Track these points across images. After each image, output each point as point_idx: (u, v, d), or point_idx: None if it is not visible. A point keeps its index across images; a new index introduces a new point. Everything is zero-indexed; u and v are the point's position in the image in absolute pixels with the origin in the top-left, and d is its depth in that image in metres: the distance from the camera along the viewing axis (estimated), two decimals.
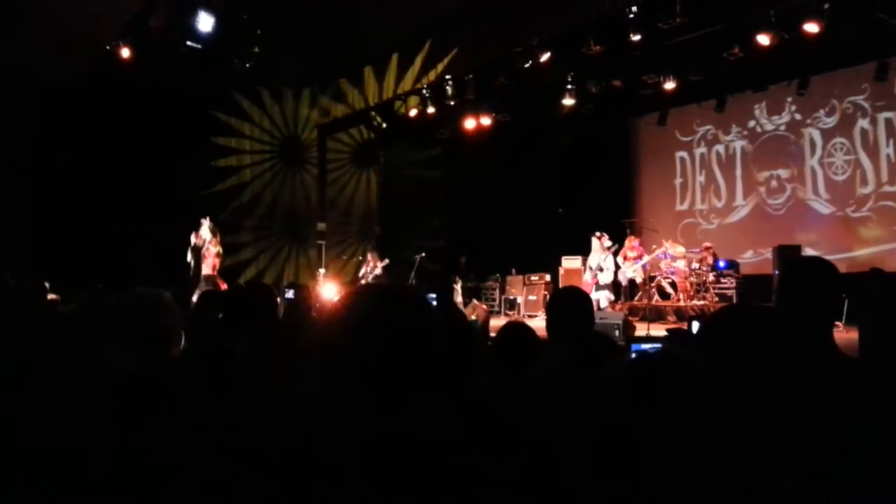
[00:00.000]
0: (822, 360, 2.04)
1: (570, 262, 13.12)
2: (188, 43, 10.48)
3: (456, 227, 14.40)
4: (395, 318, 1.29)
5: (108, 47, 10.12)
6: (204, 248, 10.79)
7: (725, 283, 11.77)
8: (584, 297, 3.27)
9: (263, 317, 3.34)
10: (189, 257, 10.83)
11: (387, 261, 12.89)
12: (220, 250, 10.88)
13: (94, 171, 11.35)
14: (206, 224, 10.93)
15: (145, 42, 10.25)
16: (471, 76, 11.40)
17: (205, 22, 10.35)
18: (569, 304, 3.15)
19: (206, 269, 10.72)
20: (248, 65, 11.01)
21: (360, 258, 13.67)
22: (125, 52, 10.35)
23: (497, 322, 7.47)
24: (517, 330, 3.49)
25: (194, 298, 6.88)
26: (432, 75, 11.60)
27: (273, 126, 14.24)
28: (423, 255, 13.42)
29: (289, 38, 10.97)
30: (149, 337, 2.34)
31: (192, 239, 10.85)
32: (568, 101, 11.62)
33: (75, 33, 9.34)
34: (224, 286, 9.69)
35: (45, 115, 10.91)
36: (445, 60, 11.33)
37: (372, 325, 1.28)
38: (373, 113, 12.93)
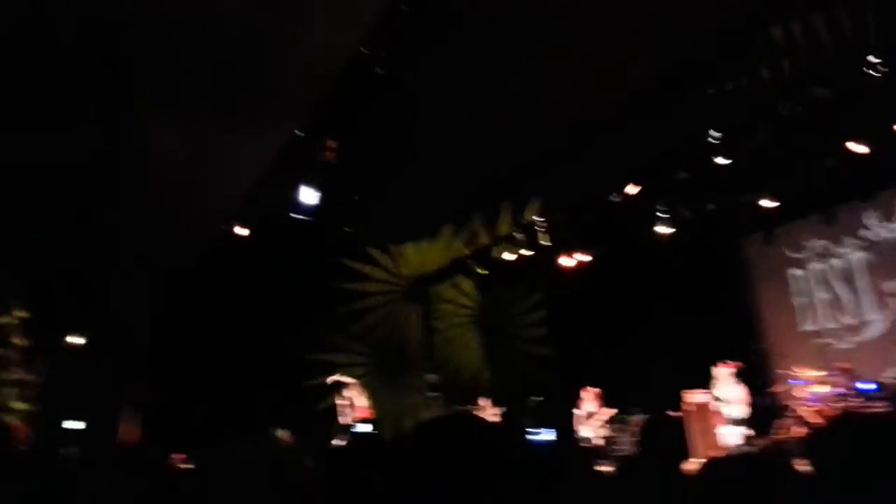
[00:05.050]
0: None
1: (695, 397, 12.30)
2: (295, 216, 11.34)
3: (565, 367, 14.06)
4: (446, 444, 1.33)
5: (222, 227, 11.11)
6: (352, 404, 10.86)
7: (876, 406, 10.63)
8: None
9: None
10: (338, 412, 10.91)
11: (503, 408, 12.65)
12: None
13: (214, 344, 12.09)
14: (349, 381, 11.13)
15: (256, 218, 11.22)
16: (562, 216, 11.63)
17: (309, 196, 11.24)
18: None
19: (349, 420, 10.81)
20: (351, 230, 11.74)
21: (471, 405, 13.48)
22: (239, 230, 11.34)
23: None
24: None
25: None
26: (524, 219, 11.92)
27: (392, 274, 14.74)
28: (537, 398, 13.13)
29: (386, 199, 11.69)
30: None
31: (337, 400, 10.95)
32: (663, 230, 11.51)
33: (192, 217, 10.36)
34: None
35: (167, 294, 11.92)
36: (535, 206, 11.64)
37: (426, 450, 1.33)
38: (470, 260, 13.28)
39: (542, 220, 11.80)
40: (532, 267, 13.13)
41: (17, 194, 8.83)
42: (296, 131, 9.40)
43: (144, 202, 9.99)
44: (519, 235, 12.13)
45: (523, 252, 12.18)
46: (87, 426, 11.14)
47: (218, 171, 9.72)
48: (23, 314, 10.20)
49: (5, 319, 9.99)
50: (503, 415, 12.40)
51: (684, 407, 12.31)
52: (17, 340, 10.10)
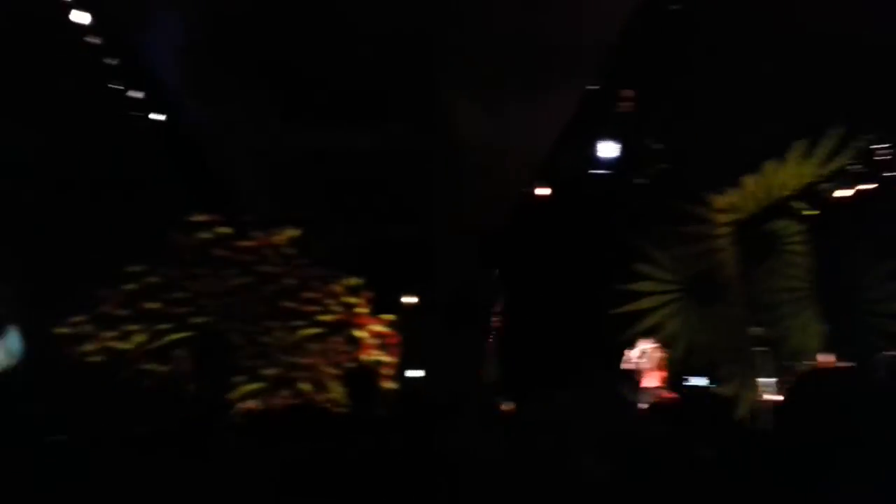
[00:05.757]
0: None
1: None
2: (593, 171, 11.28)
3: None
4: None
5: (524, 189, 11.50)
6: (644, 364, 10.52)
7: None
8: None
9: None
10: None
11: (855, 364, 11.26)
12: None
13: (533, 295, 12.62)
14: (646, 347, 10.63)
15: (555, 175, 11.39)
16: None
17: (610, 149, 11.09)
18: None
19: (651, 383, 10.42)
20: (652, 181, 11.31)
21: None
22: (542, 190, 11.63)
23: None
24: None
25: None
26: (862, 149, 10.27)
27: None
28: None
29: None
30: None
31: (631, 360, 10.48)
32: None
33: (501, 180, 10.87)
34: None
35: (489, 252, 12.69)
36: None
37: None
38: (794, 202, 11.78)
39: (888, 146, 10.04)
40: (874, 208, 11.27)
41: (343, 177, 10.12)
42: (589, 87, 9.28)
43: (458, 171, 10.72)
44: (856, 168, 10.47)
45: (863, 188, 10.49)
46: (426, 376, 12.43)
47: (521, 135, 10.05)
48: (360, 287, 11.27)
49: (355, 300, 11.03)
50: (861, 371, 10.97)
51: None
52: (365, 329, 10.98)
